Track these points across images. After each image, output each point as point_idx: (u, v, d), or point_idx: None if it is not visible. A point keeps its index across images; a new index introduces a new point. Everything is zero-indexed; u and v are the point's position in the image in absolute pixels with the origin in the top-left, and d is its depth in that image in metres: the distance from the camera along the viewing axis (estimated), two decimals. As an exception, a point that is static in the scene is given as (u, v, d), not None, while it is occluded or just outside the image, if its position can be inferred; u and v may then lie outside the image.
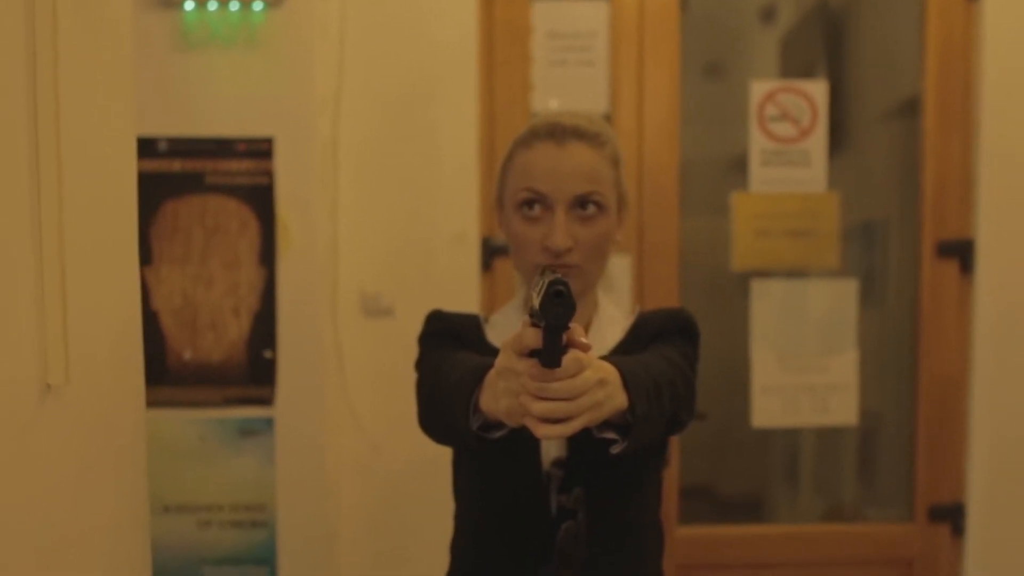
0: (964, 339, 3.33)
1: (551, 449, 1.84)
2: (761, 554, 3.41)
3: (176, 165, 2.93)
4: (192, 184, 2.93)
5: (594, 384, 1.45)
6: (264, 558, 2.97)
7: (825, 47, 3.54)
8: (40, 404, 1.28)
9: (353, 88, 3.12)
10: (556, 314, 1.34)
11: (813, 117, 3.30)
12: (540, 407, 1.42)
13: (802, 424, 3.41)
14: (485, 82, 3.27)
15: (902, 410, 3.47)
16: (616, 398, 1.52)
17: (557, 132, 1.87)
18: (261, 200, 2.94)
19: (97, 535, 1.46)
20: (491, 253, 3.25)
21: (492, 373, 1.52)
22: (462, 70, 3.19)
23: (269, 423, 2.96)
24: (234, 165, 2.94)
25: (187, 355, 2.94)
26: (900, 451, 3.49)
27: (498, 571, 1.90)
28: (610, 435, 1.60)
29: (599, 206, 1.85)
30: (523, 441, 1.62)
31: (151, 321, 2.92)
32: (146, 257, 2.91)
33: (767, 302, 3.35)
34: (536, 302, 1.36)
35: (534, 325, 1.40)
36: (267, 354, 2.95)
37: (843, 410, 3.37)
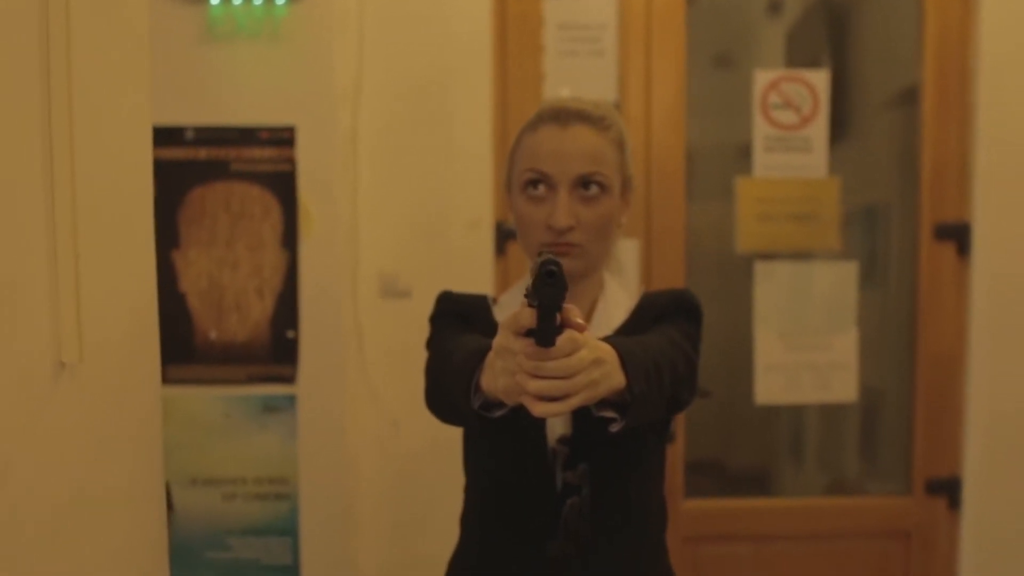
0: (961, 319, 3.32)
1: (557, 426, 1.83)
2: (765, 526, 3.40)
3: (202, 153, 2.93)
4: (218, 171, 2.93)
5: (590, 363, 1.43)
6: (287, 529, 2.97)
7: (829, 38, 3.52)
8: (54, 381, 1.27)
9: (372, 78, 3.11)
10: (548, 294, 1.33)
11: (814, 105, 3.28)
12: (535, 385, 1.40)
13: (804, 401, 3.39)
14: (499, 72, 3.26)
15: (901, 387, 3.45)
16: (613, 377, 1.50)
17: (562, 115, 1.85)
18: (284, 186, 2.94)
19: (113, 507, 1.45)
20: (504, 237, 3.23)
21: (491, 353, 1.50)
22: (477, 61, 3.18)
23: (292, 400, 2.96)
24: (258, 153, 2.93)
25: (213, 335, 2.94)
26: (899, 427, 3.48)
27: (505, 545, 1.89)
28: (609, 414, 1.59)
29: (602, 187, 1.83)
30: (527, 419, 1.55)
31: (179, 302, 2.93)
32: (174, 241, 2.91)
33: (770, 283, 3.33)
34: (530, 282, 1.35)
35: (530, 305, 1.38)
36: (290, 334, 2.95)
37: (843, 387, 3.35)
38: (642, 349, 1.62)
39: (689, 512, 3.34)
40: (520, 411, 1.52)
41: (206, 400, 2.95)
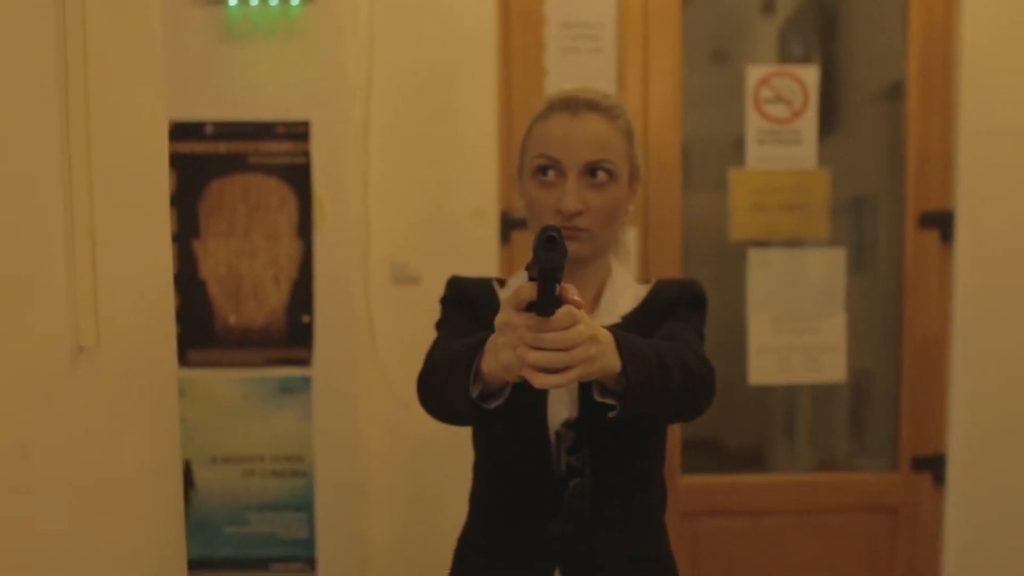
0: (945, 303, 3.31)
1: (562, 410, 1.81)
2: (759, 501, 3.39)
3: (221, 147, 2.93)
4: (236, 164, 2.93)
5: (587, 338, 1.43)
6: (302, 504, 2.98)
7: (819, 36, 3.51)
8: (72, 364, 1.27)
9: (382, 75, 3.11)
10: (548, 257, 1.32)
11: (805, 99, 3.27)
12: (535, 356, 1.40)
13: (795, 382, 3.38)
14: (503, 68, 3.25)
15: (887, 368, 3.44)
16: (608, 357, 1.49)
17: (572, 104, 1.85)
18: (299, 178, 2.94)
19: (130, 485, 1.45)
20: (509, 226, 3.23)
21: (492, 336, 1.51)
22: (482, 58, 3.17)
23: (307, 382, 2.96)
24: (274, 146, 2.93)
25: (232, 320, 2.94)
26: (886, 406, 3.47)
27: (509, 525, 1.88)
28: (609, 400, 1.58)
29: (610, 174, 1.82)
30: (528, 398, 1.61)
31: (200, 289, 2.93)
32: (195, 231, 2.92)
33: (763, 270, 3.33)
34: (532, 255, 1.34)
35: (531, 278, 1.39)
36: (305, 319, 2.95)
37: (833, 369, 3.35)
38: (649, 346, 1.61)
39: (686, 488, 3.33)
40: (520, 390, 1.55)
41: (225, 382, 2.95)
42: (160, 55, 1.59)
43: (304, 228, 2.94)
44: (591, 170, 1.82)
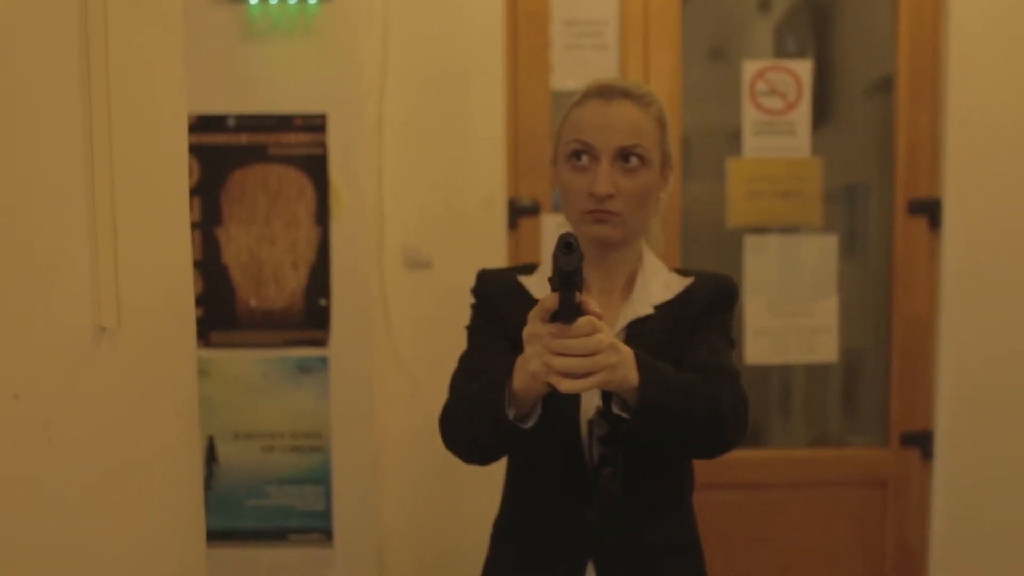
0: (932, 286, 3.30)
1: (594, 399, 1.78)
2: (756, 475, 3.40)
3: (243, 139, 2.94)
4: (256, 155, 2.94)
5: (608, 346, 1.48)
6: (320, 478, 2.99)
7: (813, 32, 3.49)
8: (95, 345, 1.28)
9: (396, 71, 3.11)
10: (566, 261, 1.39)
11: (798, 92, 3.27)
12: (560, 362, 1.46)
13: (789, 362, 3.38)
14: (510, 64, 3.24)
15: (878, 349, 3.44)
16: (627, 369, 1.53)
17: (606, 91, 1.83)
18: (316, 168, 2.94)
19: (151, 462, 1.45)
20: (516, 213, 3.23)
21: (521, 354, 1.56)
22: (490, 54, 3.17)
23: (324, 361, 2.97)
24: (293, 138, 2.94)
25: (253, 303, 2.95)
26: (876, 385, 3.47)
27: (543, 513, 1.87)
28: (623, 414, 1.62)
29: (642, 159, 1.79)
30: (558, 400, 1.63)
31: (222, 274, 2.94)
32: (217, 219, 2.93)
33: (759, 255, 3.32)
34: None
35: (553, 289, 1.45)
36: (322, 302, 2.96)
37: (825, 349, 3.35)
38: (673, 374, 1.63)
39: (685, 462, 3.33)
40: (550, 399, 1.60)
41: (247, 362, 2.96)
42: (181, 51, 1.59)
43: (321, 216, 2.95)
44: (624, 155, 1.79)
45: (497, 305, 1.90)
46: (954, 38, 3.19)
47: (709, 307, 1.87)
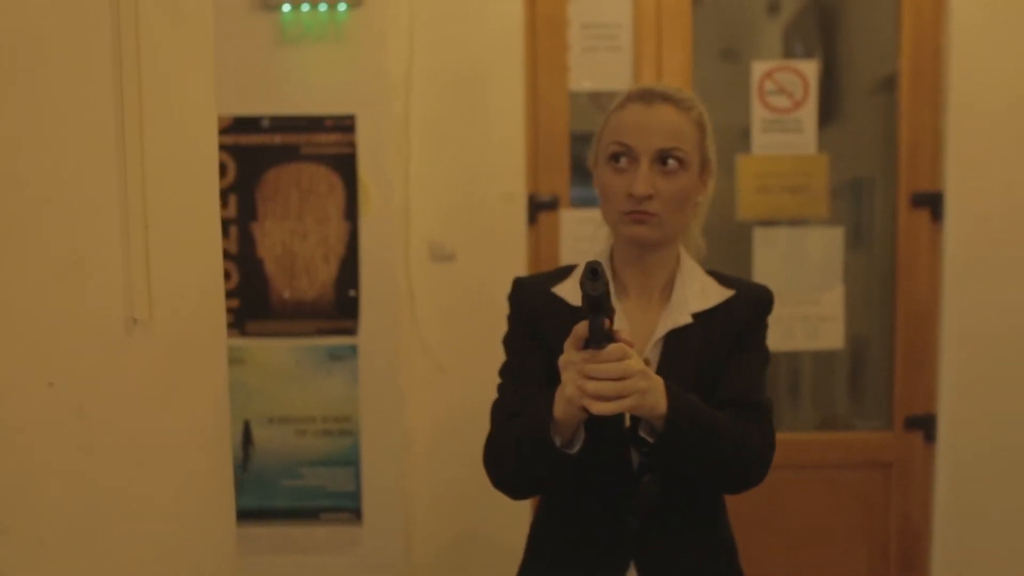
0: (934, 276, 3.27)
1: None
2: (765, 457, 3.38)
3: (276, 139, 2.95)
4: (289, 154, 2.95)
5: (638, 372, 1.51)
6: (350, 460, 3.00)
7: (820, 34, 3.47)
8: (127, 336, 1.28)
9: (421, 73, 3.11)
10: (592, 287, 1.42)
11: (805, 91, 3.25)
12: (593, 386, 1.50)
13: (797, 348, 3.37)
14: (530, 66, 3.24)
15: (882, 336, 3.41)
16: (657, 395, 1.55)
17: (647, 95, 1.79)
18: (345, 167, 2.95)
19: (180, 446, 1.46)
20: (536, 208, 3.23)
21: (559, 385, 1.57)
22: (511, 57, 3.17)
23: (353, 349, 2.98)
24: (323, 138, 2.95)
25: (286, 294, 2.96)
26: (881, 371, 3.45)
27: (585, 519, 1.83)
28: (649, 438, 1.63)
29: (680, 162, 1.75)
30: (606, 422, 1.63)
31: (258, 267, 2.96)
32: (253, 215, 2.94)
33: (767, 247, 3.31)
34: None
35: (584, 317, 1.49)
36: (351, 293, 2.97)
37: (831, 337, 3.33)
38: (703, 411, 1.63)
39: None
40: (591, 422, 1.61)
41: (280, 350, 2.97)
42: (211, 51, 1.59)
43: (351, 211, 2.95)
44: (662, 157, 1.75)
45: (533, 317, 1.87)
46: (954, 38, 3.16)
47: (748, 324, 1.83)
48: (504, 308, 1.93)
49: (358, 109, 2.96)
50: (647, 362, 1.66)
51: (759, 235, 3.33)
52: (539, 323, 1.84)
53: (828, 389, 3.60)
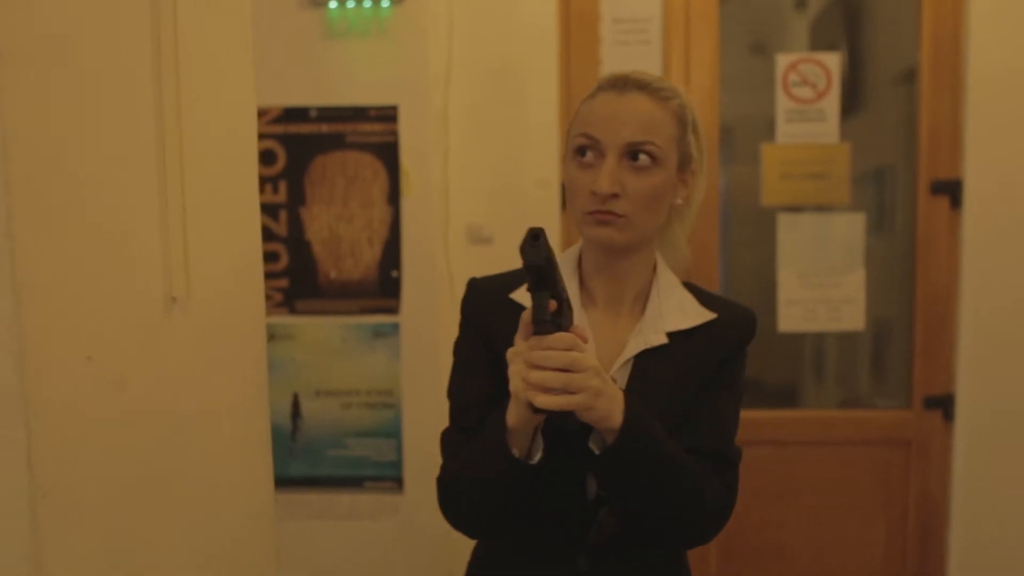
0: (953, 261, 3.23)
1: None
2: (789, 433, 3.37)
3: (324, 128, 2.96)
4: (336, 142, 2.96)
5: (588, 368, 1.30)
6: (392, 432, 3.02)
7: (844, 27, 3.43)
8: (166, 312, 1.30)
9: (460, 66, 3.11)
10: (532, 253, 1.20)
11: (828, 82, 3.22)
12: (536, 375, 1.28)
13: (819, 330, 3.35)
14: (563, 59, 3.24)
15: (902, 318, 3.38)
16: (612, 403, 1.34)
17: (620, 83, 1.50)
18: (389, 154, 2.95)
19: (218, 418, 1.47)
20: (569, 194, 3.23)
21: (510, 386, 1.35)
22: (545, 50, 3.17)
23: (396, 327, 2.99)
24: (368, 127, 2.95)
25: (333, 275, 2.98)
26: (901, 351, 3.41)
27: (535, 552, 1.56)
28: (594, 448, 1.41)
29: (653, 158, 1.46)
30: (565, 437, 1.42)
31: (306, 249, 2.98)
32: (301, 199, 2.96)
33: (791, 232, 3.29)
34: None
35: (529, 290, 1.28)
36: (394, 274, 2.98)
37: (853, 318, 3.30)
38: (663, 440, 1.41)
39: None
40: (559, 436, 1.41)
41: (327, 327, 2.99)
42: (249, 40, 1.60)
43: (393, 196, 2.96)
44: (632, 152, 1.46)
45: (486, 326, 1.60)
46: (973, 30, 3.12)
47: (728, 356, 1.56)
48: None
49: (400, 100, 2.96)
50: (613, 380, 1.43)
51: (783, 220, 3.30)
52: (493, 335, 1.55)
53: (850, 369, 3.57)
